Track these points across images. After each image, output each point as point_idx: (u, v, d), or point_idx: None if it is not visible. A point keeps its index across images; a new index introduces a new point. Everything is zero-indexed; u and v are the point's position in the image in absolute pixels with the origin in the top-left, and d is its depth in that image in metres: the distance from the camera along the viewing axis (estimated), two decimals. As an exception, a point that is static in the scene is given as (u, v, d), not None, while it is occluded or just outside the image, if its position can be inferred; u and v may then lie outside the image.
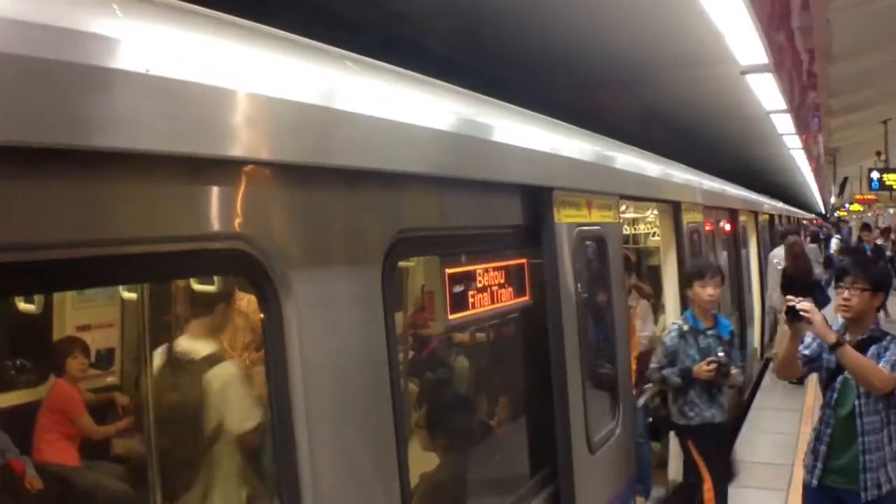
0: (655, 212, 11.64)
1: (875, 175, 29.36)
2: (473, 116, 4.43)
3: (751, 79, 13.22)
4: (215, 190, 2.59)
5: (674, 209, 9.54)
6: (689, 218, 10.10)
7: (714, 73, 12.91)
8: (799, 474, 10.58)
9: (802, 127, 21.19)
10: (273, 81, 2.72)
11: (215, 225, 2.60)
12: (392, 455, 3.45)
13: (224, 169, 2.61)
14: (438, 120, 3.93)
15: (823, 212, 75.45)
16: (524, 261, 5.15)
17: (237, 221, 2.65)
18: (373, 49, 3.88)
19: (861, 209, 57.87)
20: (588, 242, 6.30)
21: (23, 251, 2.06)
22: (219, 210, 2.61)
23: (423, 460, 5.42)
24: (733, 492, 10.06)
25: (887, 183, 29.03)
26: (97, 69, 2.06)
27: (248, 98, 2.58)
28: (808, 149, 27.35)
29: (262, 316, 2.90)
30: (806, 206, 62.78)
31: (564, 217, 5.44)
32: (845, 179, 50.00)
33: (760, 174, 33.05)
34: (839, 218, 63.44)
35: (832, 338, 6.13)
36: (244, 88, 2.56)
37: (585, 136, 6.67)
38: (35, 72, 1.91)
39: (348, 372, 3.19)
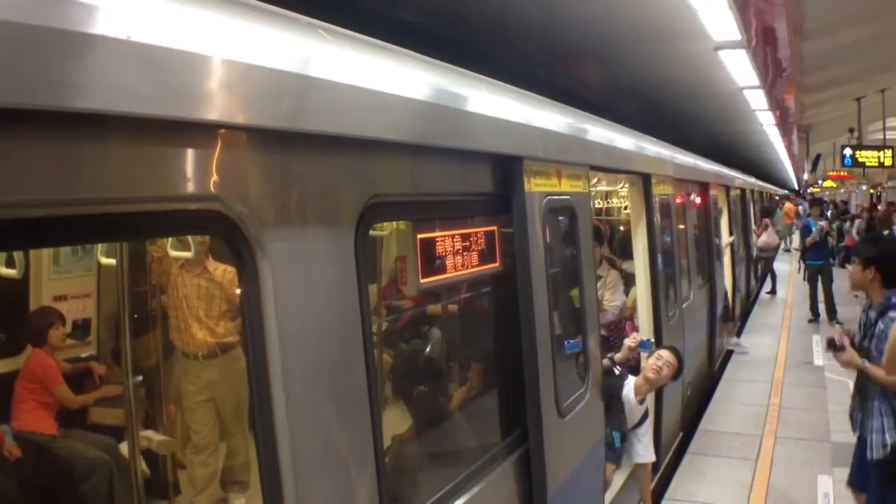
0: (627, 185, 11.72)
1: (847, 151, 29.56)
2: (446, 86, 4.51)
3: (724, 54, 13.33)
4: (194, 152, 2.67)
5: (644, 181, 9.64)
6: (659, 190, 10.20)
7: (688, 49, 13.01)
8: (767, 444, 10.82)
9: (775, 103, 21.34)
10: (250, 49, 2.79)
11: (193, 186, 2.68)
12: (366, 411, 3.55)
13: (202, 133, 2.69)
14: (412, 89, 4.01)
15: (797, 188, 75.82)
16: (495, 228, 5.24)
17: (214, 183, 2.74)
18: (347, 19, 3.94)
19: (834, 185, 58.21)
20: (557, 211, 6.39)
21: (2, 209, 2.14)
22: (197, 172, 2.69)
23: (395, 421, 5.52)
24: (701, 460, 10.25)
25: (860, 160, 29.25)
26: (82, 35, 2.13)
27: (226, 64, 2.65)
28: (780, 125, 27.52)
29: (238, 275, 3.00)
30: (780, 182, 63.13)
31: (534, 186, 5.53)
32: (818, 156, 50.34)
33: (735, 150, 33.27)
34: (813, 194, 63.90)
35: (859, 364, 6.97)
36: (222, 55, 2.64)
37: (556, 107, 6.74)
38: (20, 36, 1.98)
39: (322, 331, 3.28)
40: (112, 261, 6.80)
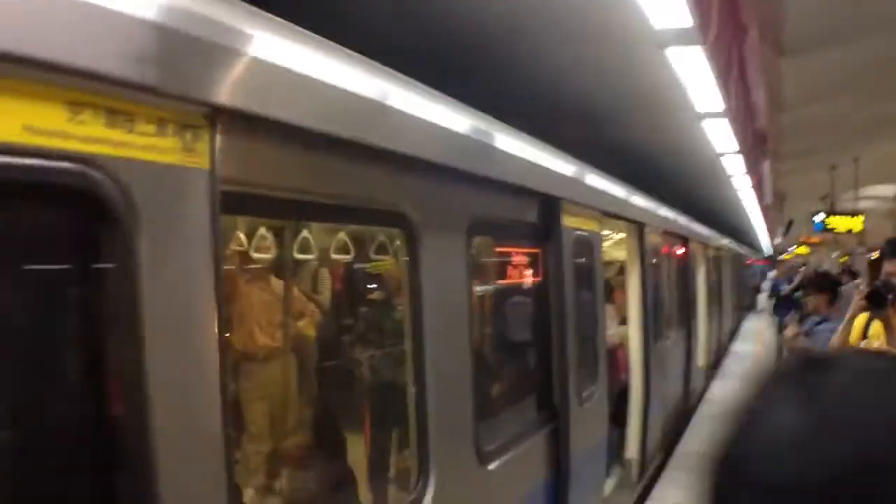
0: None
1: (818, 217, 30.71)
2: (523, 142, 6.25)
3: (706, 124, 14.68)
4: (396, 174, 4.27)
5: (638, 229, 11.16)
6: (650, 238, 11.76)
7: (673, 117, 14.37)
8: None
9: (751, 170, 22.52)
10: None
11: (393, 194, 4.26)
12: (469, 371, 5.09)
13: (402, 160, 4.27)
14: (506, 144, 5.84)
15: (771, 254, 76.36)
16: (539, 250, 6.81)
17: (403, 195, 4.31)
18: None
19: (807, 251, 59.26)
20: (580, 244, 7.90)
21: None
22: (395, 185, 4.30)
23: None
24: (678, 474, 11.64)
25: (829, 226, 30.41)
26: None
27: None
28: (756, 191, 28.71)
29: (409, 261, 4.56)
30: (754, 247, 64.24)
31: (567, 222, 7.08)
32: (790, 222, 51.40)
33: (713, 214, 34.39)
34: (784, 261, 64.50)
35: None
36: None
37: (579, 163, 8.30)
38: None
39: (449, 308, 4.88)
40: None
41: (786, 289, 23.27)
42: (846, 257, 54.20)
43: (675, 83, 11.19)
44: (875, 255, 36.77)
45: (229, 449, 2.93)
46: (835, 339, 7.44)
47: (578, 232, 7.56)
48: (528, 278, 6.65)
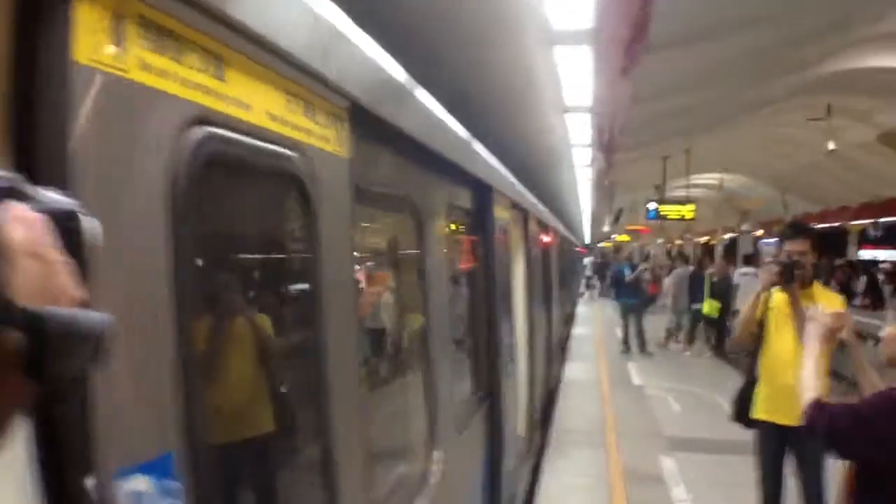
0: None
1: (652, 205, 31.88)
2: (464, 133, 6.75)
3: (569, 117, 15.66)
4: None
5: (524, 217, 11.78)
6: (531, 224, 12.45)
7: (541, 108, 15.12)
8: (611, 438, 12.86)
9: (596, 161, 23.40)
10: None
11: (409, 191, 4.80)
12: None
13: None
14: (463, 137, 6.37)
15: (588, 241, 77.25)
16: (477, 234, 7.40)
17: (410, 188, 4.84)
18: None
19: (628, 239, 61.29)
20: (501, 227, 8.55)
21: None
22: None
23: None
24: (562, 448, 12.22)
25: (662, 213, 31.65)
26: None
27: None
28: (594, 181, 29.70)
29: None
30: (576, 234, 66.01)
31: (494, 209, 7.65)
32: (620, 210, 53.08)
33: (557, 203, 35.42)
34: (604, 248, 65.91)
35: None
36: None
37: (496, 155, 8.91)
38: None
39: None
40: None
41: (628, 274, 24.09)
42: (676, 242, 56.57)
43: (554, 79, 11.91)
44: (706, 239, 38.48)
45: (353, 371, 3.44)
46: (745, 310, 8.18)
47: (500, 217, 8.17)
48: (470, 263, 7.23)
